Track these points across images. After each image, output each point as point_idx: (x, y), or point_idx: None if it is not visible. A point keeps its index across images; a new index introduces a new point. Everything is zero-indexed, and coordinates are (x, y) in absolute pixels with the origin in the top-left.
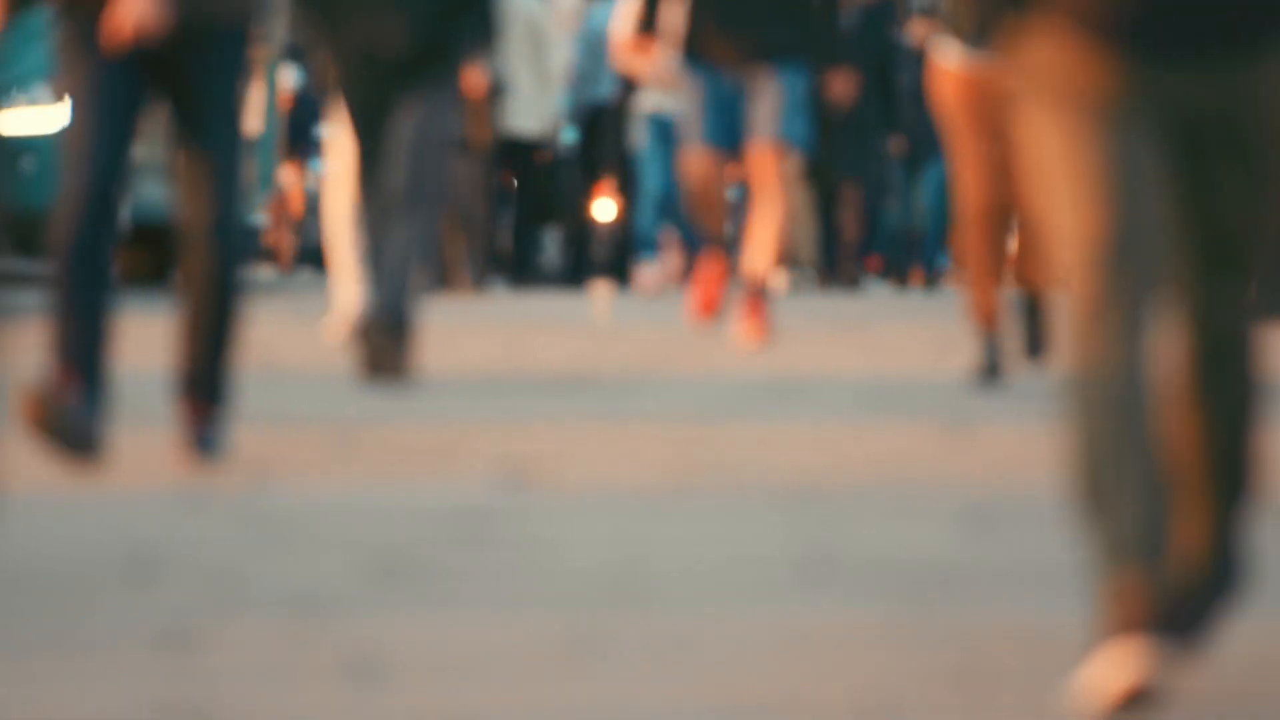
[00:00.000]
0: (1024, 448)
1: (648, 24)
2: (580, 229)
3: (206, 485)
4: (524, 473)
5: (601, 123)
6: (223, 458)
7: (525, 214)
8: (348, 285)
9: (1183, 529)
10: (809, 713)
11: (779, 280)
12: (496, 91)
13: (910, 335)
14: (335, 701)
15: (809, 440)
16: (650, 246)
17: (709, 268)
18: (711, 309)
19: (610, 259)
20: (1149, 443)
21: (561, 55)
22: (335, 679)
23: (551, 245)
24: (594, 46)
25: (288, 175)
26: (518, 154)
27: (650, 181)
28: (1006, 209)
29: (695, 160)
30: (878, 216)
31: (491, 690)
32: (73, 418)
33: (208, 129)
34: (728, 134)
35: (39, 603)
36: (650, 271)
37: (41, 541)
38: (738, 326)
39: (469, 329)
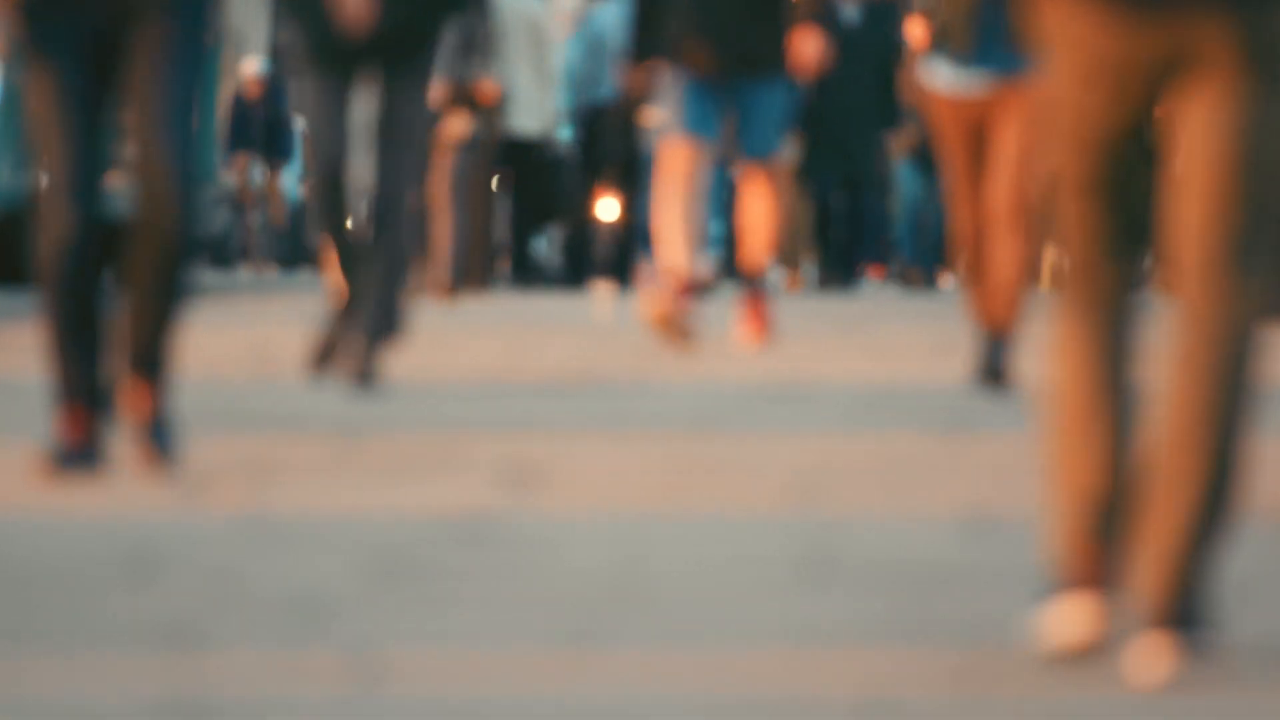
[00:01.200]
0: (1024, 448)
1: (645, 38)
2: (580, 229)
3: (207, 485)
4: (524, 473)
5: (602, 122)
6: (178, 451)
7: (525, 214)
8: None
9: (1151, 542)
10: (809, 712)
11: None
12: (499, 102)
13: (911, 336)
14: (335, 701)
15: (809, 440)
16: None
17: (675, 279)
18: (668, 322)
19: (612, 259)
20: (1123, 421)
21: (561, 55)
22: (335, 679)
23: (551, 245)
24: (594, 47)
25: (245, 172)
26: (518, 154)
27: None
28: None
29: (676, 149)
30: (881, 220)
31: (491, 690)
32: (82, 462)
33: (161, 110)
34: (707, 123)
35: (39, 603)
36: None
37: (42, 541)
38: (738, 327)
39: (469, 329)
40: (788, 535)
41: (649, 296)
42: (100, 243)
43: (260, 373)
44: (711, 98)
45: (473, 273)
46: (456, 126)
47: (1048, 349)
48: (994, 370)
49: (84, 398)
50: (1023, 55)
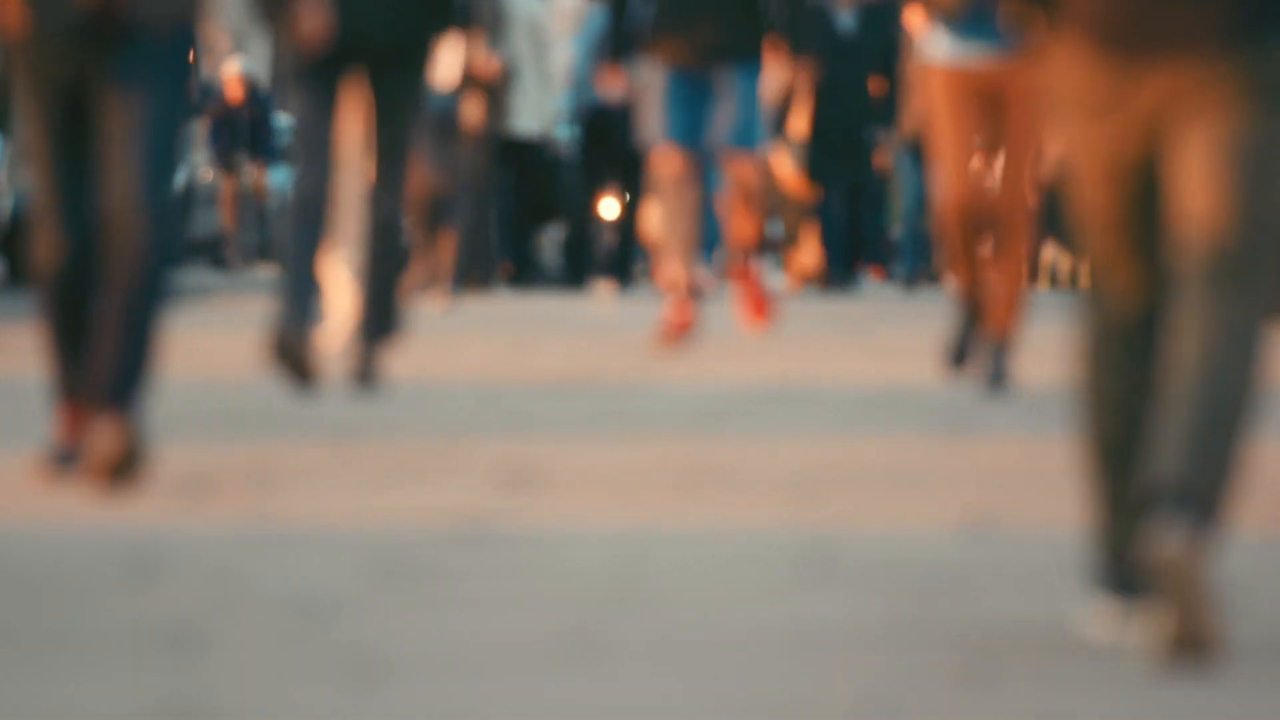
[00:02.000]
0: (1025, 448)
1: (619, 36)
2: (580, 229)
3: (207, 487)
4: (524, 474)
5: (603, 123)
6: (149, 468)
7: (525, 214)
8: (343, 291)
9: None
10: (809, 713)
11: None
12: (505, 81)
13: (911, 337)
14: (335, 702)
15: (810, 441)
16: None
17: (678, 290)
18: (684, 331)
19: (612, 259)
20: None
21: (562, 55)
22: (335, 679)
23: (551, 246)
24: (594, 47)
25: (236, 181)
26: (518, 154)
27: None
28: (986, 207)
29: (664, 159)
30: (880, 221)
31: (491, 690)
32: (73, 459)
33: (146, 128)
34: (695, 131)
35: (41, 604)
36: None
37: (42, 541)
38: (739, 315)
39: (470, 330)
40: (788, 536)
41: (655, 338)
42: (92, 255)
43: (259, 373)
44: (695, 94)
45: (473, 273)
46: (473, 112)
47: (1073, 354)
48: (998, 374)
49: (83, 396)
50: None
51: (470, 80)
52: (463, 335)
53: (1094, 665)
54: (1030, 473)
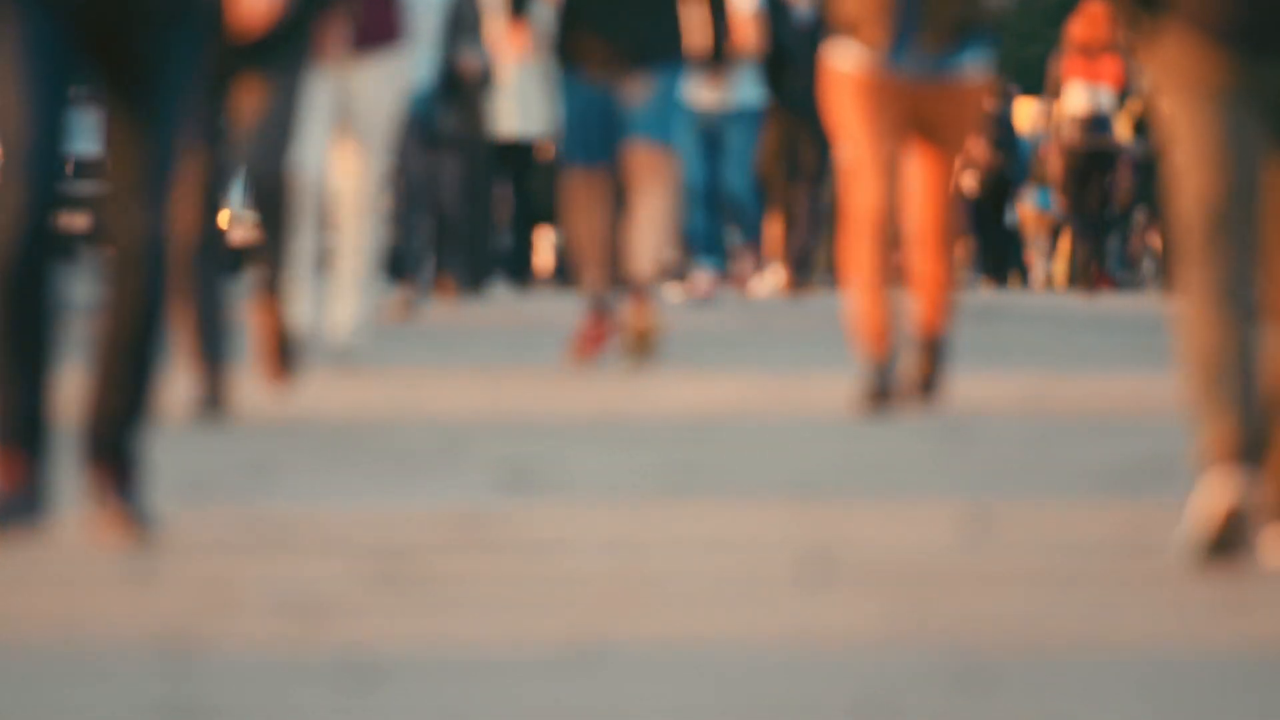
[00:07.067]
0: (1023, 447)
1: (518, 7)
2: None
3: (205, 488)
4: (524, 475)
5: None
6: (155, 525)
7: (523, 215)
8: (345, 290)
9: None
10: (808, 714)
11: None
12: (484, 81)
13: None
14: (334, 704)
15: (808, 442)
16: (711, 249)
17: (593, 305)
18: (592, 349)
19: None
20: (1252, 353)
21: None
22: (334, 682)
23: (549, 246)
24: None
25: None
26: (518, 154)
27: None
28: (897, 217)
29: (571, 182)
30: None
31: (491, 693)
32: (23, 512)
33: (155, 123)
34: (601, 146)
35: (39, 603)
36: (704, 274)
37: (40, 541)
38: (573, 339)
39: (468, 331)
40: (788, 535)
41: (571, 342)
42: (54, 235)
43: (256, 374)
44: (599, 105)
45: (472, 274)
46: (449, 119)
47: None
48: (882, 391)
49: (21, 438)
50: (952, 53)
51: (453, 83)
52: (461, 336)
53: (1093, 667)
54: (1030, 469)
